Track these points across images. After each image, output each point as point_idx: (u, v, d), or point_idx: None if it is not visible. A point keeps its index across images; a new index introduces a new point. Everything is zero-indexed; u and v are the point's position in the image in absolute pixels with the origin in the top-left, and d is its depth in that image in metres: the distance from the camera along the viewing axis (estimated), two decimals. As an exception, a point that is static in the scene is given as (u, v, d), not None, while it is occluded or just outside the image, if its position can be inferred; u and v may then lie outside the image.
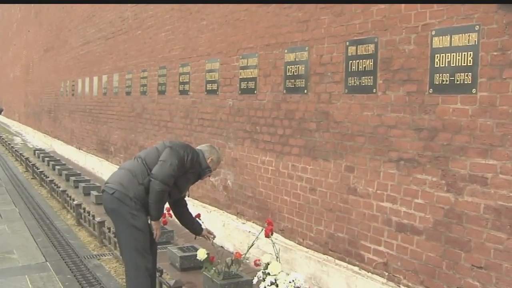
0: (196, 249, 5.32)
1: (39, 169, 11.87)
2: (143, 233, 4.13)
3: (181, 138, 7.86)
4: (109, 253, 6.25)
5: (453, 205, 3.69)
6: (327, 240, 4.89)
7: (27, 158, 13.77)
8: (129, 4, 10.34)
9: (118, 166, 10.77)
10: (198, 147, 4.54)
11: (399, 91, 4.13)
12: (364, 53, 4.46)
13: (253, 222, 6.05)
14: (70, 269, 5.74)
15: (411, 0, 4.05)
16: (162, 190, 4.11)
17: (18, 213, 8.41)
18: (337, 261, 4.75)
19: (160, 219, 4.37)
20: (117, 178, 4.21)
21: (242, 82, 6.25)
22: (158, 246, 6.34)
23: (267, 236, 4.70)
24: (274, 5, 5.67)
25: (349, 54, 4.62)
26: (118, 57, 11.09)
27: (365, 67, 4.46)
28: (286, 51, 5.47)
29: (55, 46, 18.33)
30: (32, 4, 23.72)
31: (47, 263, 5.97)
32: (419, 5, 3.96)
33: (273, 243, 4.76)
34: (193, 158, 4.29)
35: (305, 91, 5.17)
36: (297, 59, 5.30)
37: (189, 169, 4.30)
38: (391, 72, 4.21)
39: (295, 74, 5.33)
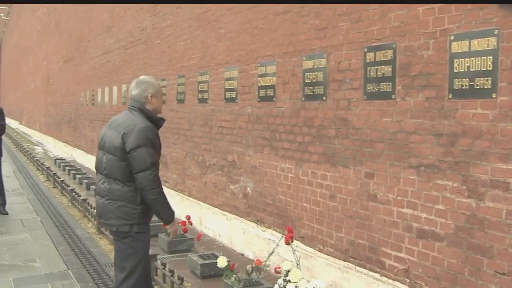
0: (217, 257, 5.36)
1: (60, 178, 12.03)
2: None
3: (200, 146, 7.93)
4: (130, 261, 6.29)
5: (474, 211, 3.68)
6: (348, 247, 4.90)
7: (48, 167, 13.96)
8: (147, 14, 10.47)
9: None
10: (130, 104, 4.02)
11: (418, 97, 4.14)
12: (383, 59, 4.48)
13: (273, 230, 6.07)
14: (92, 277, 5.80)
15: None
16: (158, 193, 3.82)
17: (40, 221, 8.53)
18: (358, 268, 4.75)
19: (175, 220, 4.09)
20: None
21: (260, 90, 6.30)
22: (179, 254, 6.48)
23: (287, 243, 4.73)
24: (291, 13, 5.72)
25: (368, 61, 4.64)
26: (137, 66, 11.22)
27: (383, 73, 4.47)
28: (304, 58, 5.51)
29: (75, 56, 18.59)
30: (52, 15, 24.12)
31: (69, 271, 6.04)
32: (437, 10, 3.98)
33: (294, 250, 4.79)
34: (153, 135, 3.84)
35: (324, 98, 5.19)
36: (315, 66, 5.33)
37: (158, 144, 3.93)
38: (410, 78, 4.22)
39: (313, 81, 5.36)
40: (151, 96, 3.96)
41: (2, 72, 71.83)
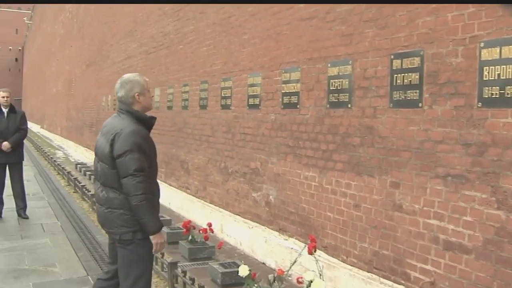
0: (238, 265, 5.37)
1: (80, 183, 12.18)
2: None
3: (222, 153, 7.97)
4: (150, 268, 6.33)
5: (504, 223, 3.64)
6: (372, 258, 4.87)
7: (69, 172, 14.14)
8: (170, 19, 10.57)
9: (158, 181, 11.01)
10: (118, 107, 3.93)
11: (446, 105, 4.11)
12: (410, 66, 4.47)
13: (295, 239, 6.06)
14: (112, 284, 5.86)
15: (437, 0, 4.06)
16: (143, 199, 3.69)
17: (60, 226, 8.63)
18: (382, 279, 4.73)
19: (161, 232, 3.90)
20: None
21: (284, 97, 6.31)
22: (199, 262, 6.51)
23: (310, 253, 4.72)
24: (317, 18, 5.73)
25: (394, 68, 4.63)
26: (159, 71, 11.32)
27: (410, 80, 4.46)
28: (329, 65, 5.51)
29: (97, 60, 18.84)
30: (75, 19, 24.49)
31: (89, 277, 6.09)
32: (466, 16, 3.96)
33: (317, 260, 4.78)
34: (141, 139, 3.75)
35: (349, 105, 5.19)
36: (340, 73, 5.33)
37: (148, 146, 3.83)
38: (438, 86, 4.20)
39: (338, 88, 5.36)
40: (138, 95, 3.86)
41: (24, 76, 73.01)
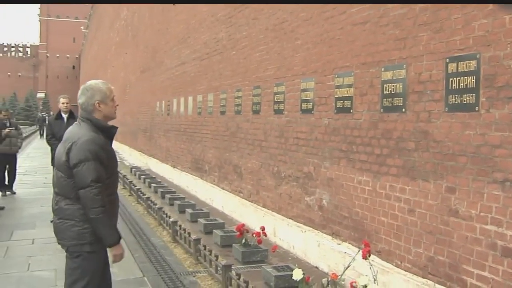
0: (291, 269, 5.40)
1: (136, 186, 12.52)
2: None
3: (275, 158, 8.04)
4: (204, 271, 6.47)
5: None
6: (427, 264, 4.83)
7: (124, 176, 14.55)
8: (223, 25, 10.74)
9: (211, 185, 11.22)
10: (79, 114, 3.86)
11: (504, 109, 4.05)
12: (466, 69, 4.42)
13: (348, 243, 6.07)
14: (167, 285, 5.99)
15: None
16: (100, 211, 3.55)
17: (117, 229, 8.87)
18: (437, 285, 4.68)
19: (120, 244, 3.77)
20: None
21: (337, 101, 6.34)
22: (253, 265, 6.59)
23: (364, 257, 4.72)
24: (370, 23, 5.74)
25: (449, 71, 4.59)
26: (212, 77, 11.51)
27: (466, 84, 4.41)
28: (383, 69, 5.51)
29: (151, 67, 19.27)
30: (130, 27, 25.12)
31: (145, 278, 6.27)
32: (525, 19, 3.89)
33: (371, 265, 4.78)
34: (98, 147, 3.61)
35: (403, 109, 5.17)
36: (394, 77, 5.32)
37: (106, 155, 3.68)
38: (495, 89, 4.14)
39: (392, 92, 5.35)
40: (98, 103, 3.71)
41: (81, 83, 75.12)
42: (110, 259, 3.80)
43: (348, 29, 6.19)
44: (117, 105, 3.87)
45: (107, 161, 3.66)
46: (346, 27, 6.22)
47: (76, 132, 3.67)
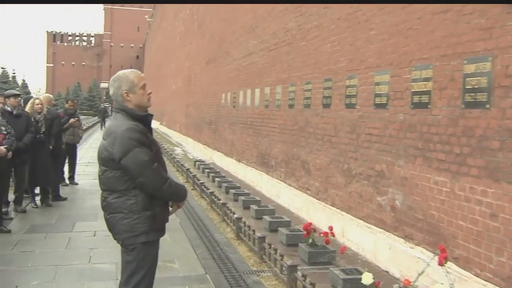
0: (360, 272, 5.38)
1: (199, 180, 12.74)
2: None
3: (346, 154, 7.98)
4: (268, 270, 6.50)
5: None
6: (510, 274, 4.68)
7: (188, 169, 14.82)
8: (292, 15, 10.74)
9: (278, 181, 11.27)
10: (114, 107, 3.94)
11: None
12: (560, 63, 4.24)
13: (422, 247, 5.96)
14: (229, 284, 6.05)
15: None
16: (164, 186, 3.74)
17: (179, 223, 9.04)
18: (521, 297, 4.53)
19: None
20: None
21: (414, 96, 6.22)
22: (319, 266, 6.58)
23: (440, 264, 4.63)
24: (452, 11, 5.60)
25: (541, 65, 4.42)
26: (281, 69, 11.54)
27: (560, 79, 4.23)
28: (465, 62, 5.36)
29: (216, 57, 19.52)
30: (195, 16, 25.54)
31: (207, 275, 6.36)
32: None
33: (447, 272, 4.68)
34: (138, 134, 3.69)
35: (487, 105, 5.01)
36: (478, 71, 5.17)
37: (149, 142, 3.79)
38: None
39: (475, 87, 5.20)
40: (126, 92, 3.77)
41: (144, 73, 76.98)
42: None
43: (427, 19, 6.06)
44: (150, 93, 3.92)
45: (152, 148, 3.77)
46: (425, 16, 6.09)
47: (114, 124, 3.77)
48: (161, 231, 3.90)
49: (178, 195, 3.88)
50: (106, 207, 3.81)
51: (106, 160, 3.73)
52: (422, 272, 5.01)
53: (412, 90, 6.28)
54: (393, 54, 6.76)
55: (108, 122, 3.98)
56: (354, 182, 7.72)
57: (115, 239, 3.89)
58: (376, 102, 7.12)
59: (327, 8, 8.94)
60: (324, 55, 9.06)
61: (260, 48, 13.40)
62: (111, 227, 3.83)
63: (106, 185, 3.80)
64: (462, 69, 5.41)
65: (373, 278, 4.99)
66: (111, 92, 3.87)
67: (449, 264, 5.16)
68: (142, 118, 3.82)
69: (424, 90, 6.04)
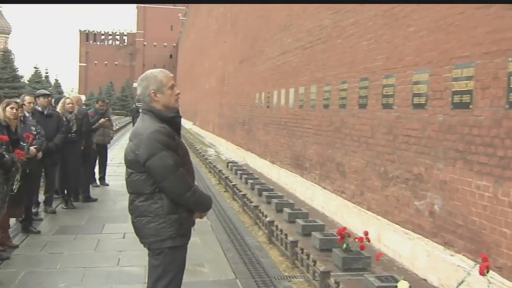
0: (397, 280, 5.27)
1: (231, 182, 12.73)
2: None
3: (382, 156, 7.85)
4: (300, 276, 6.42)
5: None
6: (557, 284, 4.50)
7: (220, 171, 14.83)
8: (328, 12, 10.63)
9: (312, 183, 11.17)
10: (141, 108, 3.93)
11: None
12: None
13: (463, 255, 5.80)
14: (260, 289, 6.01)
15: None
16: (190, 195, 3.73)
17: (210, 226, 9.01)
18: None
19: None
20: None
21: (454, 96, 6.07)
22: (353, 273, 6.47)
23: (482, 273, 4.47)
24: (496, 6, 5.43)
25: None
26: (316, 67, 11.44)
27: None
28: (510, 59, 5.20)
29: (250, 56, 19.51)
30: (229, 14, 25.61)
31: (237, 280, 6.31)
32: None
33: (489, 282, 4.52)
34: (164, 137, 3.66)
35: (533, 106, 4.84)
36: (523, 69, 5.00)
37: (176, 145, 3.77)
38: None
39: (520, 86, 5.03)
40: (154, 92, 3.76)
41: (178, 72, 77.90)
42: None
43: (469, 14, 5.90)
44: (178, 94, 3.90)
45: (180, 152, 3.75)
46: (467, 11, 5.93)
47: (141, 126, 3.76)
48: (187, 236, 3.88)
49: (201, 204, 3.85)
50: (133, 210, 3.82)
51: (132, 163, 3.74)
52: (462, 281, 4.87)
53: (453, 90, 6.13)
54: (432, 51, 6.62)
55: (136, 124, 3.97)
56: (391, 186, 7.58)
57: (141, 242, 3.89)
58: (415, 102, 6.98)
59: (364, 5, 8.81)
60: (360, 53, 8.94)
61: (294, 46, 13.32)
62: (138, 230, 3.84)
63: (132, 188, 3.80)
64: (506, 67, 5.25)
65: (410, 286, 4.88)
66: (138, 92, 3.89)
67: (492, 273, 4.99)
68: (170, 120, 3.79)
69: (465, 89, 5.88)
